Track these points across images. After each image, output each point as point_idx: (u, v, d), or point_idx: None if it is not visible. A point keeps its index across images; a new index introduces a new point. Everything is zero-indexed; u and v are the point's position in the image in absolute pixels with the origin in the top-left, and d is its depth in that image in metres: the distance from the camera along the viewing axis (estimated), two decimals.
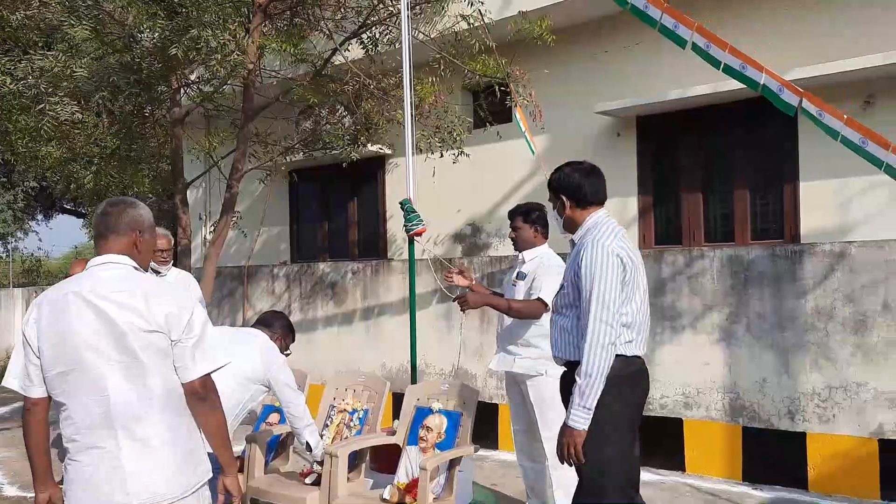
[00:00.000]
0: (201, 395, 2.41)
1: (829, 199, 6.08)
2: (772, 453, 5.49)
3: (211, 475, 2.48)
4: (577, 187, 3.13)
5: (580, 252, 3.00)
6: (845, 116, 2.82)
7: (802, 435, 5.36)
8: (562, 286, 3.21)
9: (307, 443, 4.11)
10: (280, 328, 4.30)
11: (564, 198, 3.15)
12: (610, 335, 2.86)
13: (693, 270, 5.95)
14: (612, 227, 3.05)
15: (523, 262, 4.57)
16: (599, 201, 3.16)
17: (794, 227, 6.32)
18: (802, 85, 6.03)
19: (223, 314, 9.61)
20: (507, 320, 4.52)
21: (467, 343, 7.15)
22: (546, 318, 4.38)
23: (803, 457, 5.35)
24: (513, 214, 4.67)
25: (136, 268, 2.48)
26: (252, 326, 4.27)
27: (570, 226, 3.17)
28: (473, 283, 4.56)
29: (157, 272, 5.65)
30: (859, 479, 5.13)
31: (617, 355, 2.91)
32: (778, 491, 5.38)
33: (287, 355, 4.24)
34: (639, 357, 3.04)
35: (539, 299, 4.27)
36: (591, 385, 2.84)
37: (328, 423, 4.71)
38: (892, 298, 5.05)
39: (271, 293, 9.14)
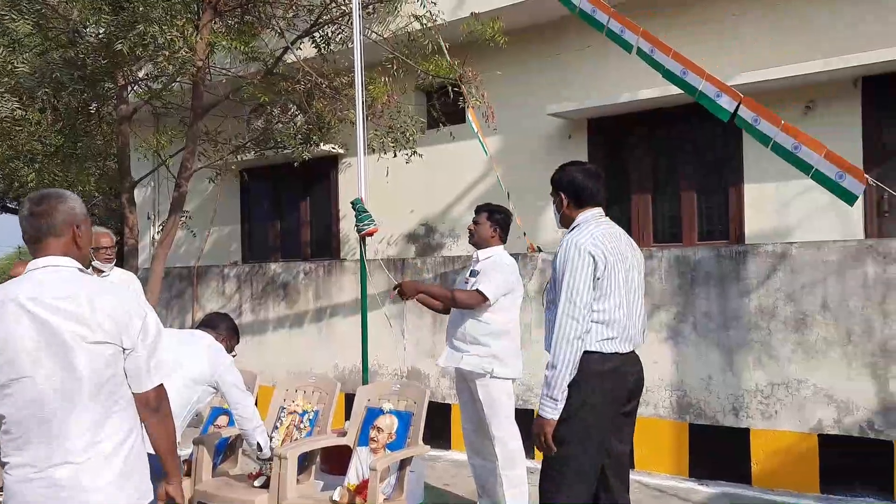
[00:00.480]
0: (154, 406, 2.30)
1: (771, 201, 6.24)
2: (717, 449, 5.61)
3: (152, 497, 2.38)
4: (576, 186, 3.23)
5: (559, 249, 3.12)
6: (782, 122, 2.90)
7: (746, 431, 5.49)
8: (548, 283, 3.30)
9: (257, 444, 4.08)
10: (225, 329, 4.24)
11: (563, 195, 3.26)
12: (575, 329, 2.93)
13: None
14: (594, 227, 3.12)
15: (477, 260, 4.61)
16: (596, 203, 3.25)
17: (738, 228, 6.48)
18: (745, 90, 6.20)
19: (172, 315, 9.43)
20: (455, 315, 4.55)
21: (421, 343, 7.15)
22: (493, 316, 4.42)
23: (747, 453, 5.48)
24: (479, 209, 4.74)
25: (80, 269, 2.30)
26: (196, 328, 4.21)
27: (565, 222, 3.29)
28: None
29: (99, 271, 5.53)
30: (800, 473, 5.28)
31: (593, 352, 2.99)
32: (723, 486, 5.50)
33: (233, 356, 4.19)
34: (619, 354, 3.07)
35: (478, 290, 4.32)
36: (557, 376, 2.92)
37: (278, 424, 4.67)
38: (830, 298, 5.21)
39: (221, 294, 9.01)
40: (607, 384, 3.04)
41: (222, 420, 4.94)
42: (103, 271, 5.54)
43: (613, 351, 3.06)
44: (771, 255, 5.46)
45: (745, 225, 6.43)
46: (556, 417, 2.96)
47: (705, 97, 3.11)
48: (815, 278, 5.28)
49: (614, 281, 3.05)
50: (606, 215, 3.29)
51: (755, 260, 5.52)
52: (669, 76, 3.22)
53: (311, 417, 4.64)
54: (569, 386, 2.96)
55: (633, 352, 3.17)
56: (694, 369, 5.73)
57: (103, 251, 5.36)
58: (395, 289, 4.57)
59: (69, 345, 2.15)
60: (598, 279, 3.00)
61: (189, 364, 3.71)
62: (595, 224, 3.15)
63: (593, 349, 3.00)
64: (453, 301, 4.40)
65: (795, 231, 6.12)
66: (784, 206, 6.18)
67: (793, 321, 5.37)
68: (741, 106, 3.00)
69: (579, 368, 2.97)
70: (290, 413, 4.68)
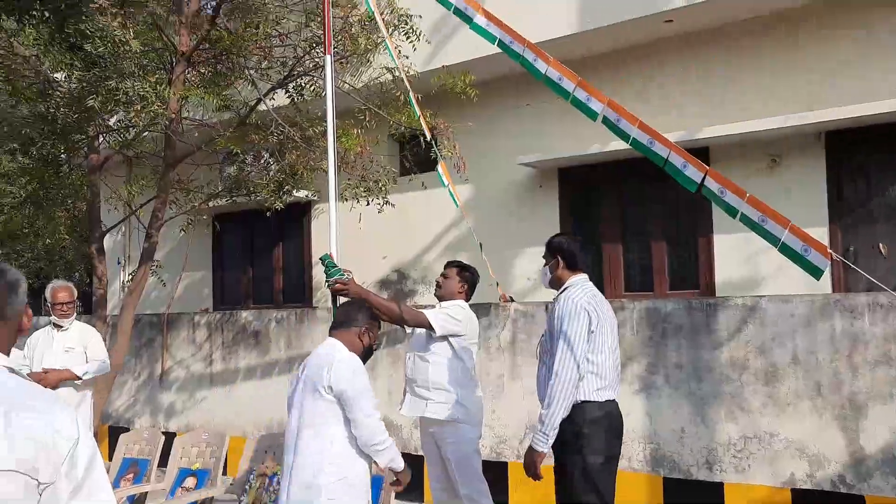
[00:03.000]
0: None
1: (741, 252, 6.32)
2: None
3: None
4: (571, 253, 3.73)
5: (555, 305, 3.57)
6: (747, 195, 2.95)
7: (720, 485, 5.49)
8: (542, 336, 3.75)
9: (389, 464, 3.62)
10: (365, 321, 3.70)
11: (559, 258, 3.74)
12: (571, 372, 3.35)
13: None
14: (587, 287, 3.61)
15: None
16: (584, 268, 3.76)
17: (709, 278, 6.54)
18: (713, 144, 6.32)
19: (141, 364, 9.28)
20: (417, 361, 4.53)
21: (392, 391, 7.09)
22: (457, 363, 4.43)
23: None
24: (450, 264, 4.81)
25: (10, 369, 1.72)
26: (331, 330, 3.74)
27: (556, 283, 3.76)
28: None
29: (58, 326, 5.47)
30: None
31: (590, 401, 3.43)
32: None
33: (376, 348, 3.85)
34: (611, 401, 3.53)
35: (426, 314, 4.35)
36: (552, 415, 3.37)
37: (247, 488, 4.58)
38: (799, 351, 5.27)
39: (192, 342, 8.89)
40: (606, 429, 3.49)
41: (190, 482, 4.84)
42: (62, 326, 5.48)
43: (606, 398, 3.50)
44: (741, 307, 5.52)
45: (715, 274, 6.50)
46: (547, 451, 3.40)
47: (672, 167, 3.17)
48: (785, 331, 5.33)
49: (604, 336, 3.50)
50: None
51: (726, 312, 5.57)
52: (636, 145, 3.28)
53: (280, 479, 4.55)
54: (574, 438, 3.39)
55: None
56: (667, 421, 5.74)
57: (59, 307, 5.35)
58: (336, 283, 4.11)
59: None
60: (592, 332, 3.44)
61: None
62: (585, 285, 3.63)
63: (590, 399, 3.44)
64: (400, 314, 4.30)
65: (765, 281, 6.20)
66: (754, 256, 6.25)
67: (763, 373, 5.41)
68: (707, 177, 3.04)
69: (580, 419, 3.40)
70: (260, 476, 4.60)
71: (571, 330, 3.40)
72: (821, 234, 5.95)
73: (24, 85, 5.90)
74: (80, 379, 5.32)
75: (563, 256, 3.74)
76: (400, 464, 3.53)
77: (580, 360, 3.40)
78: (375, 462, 3.48)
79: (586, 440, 3.41)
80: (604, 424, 3.49)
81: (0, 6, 5.46)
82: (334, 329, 3.70)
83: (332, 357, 3.48)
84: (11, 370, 1.71)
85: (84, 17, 5.37)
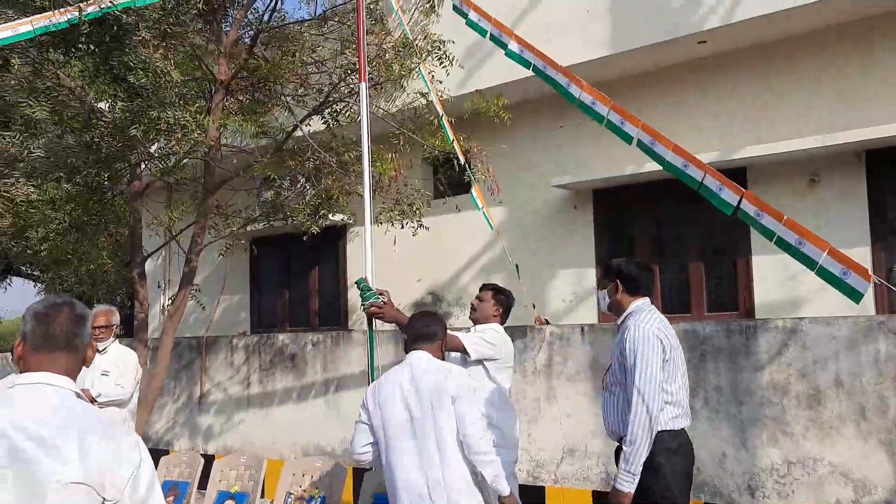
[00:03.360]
0: None
1: (780, 273, 6.23)
2: None
3: None
4: (633, 276, 3.57)
5: (624, 334, 3.41)
6: (784, 217, 2.92)
7: None
8: (610, 366, 3.59)
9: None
10: (443, 332, 3.72)
11: (619, 282, 3.58)
12: (651, 407, 3.24)
13: None
14: (653, 313, 3.46)
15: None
16: (648, 292, 3.61)
17: (748, 299, 6.45)
18: (750, 164, 6.26)
19: (180, 387, 9.41)
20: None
21: None
22: (493, 387, 4.38)
23: None
24: (485, 286, 4.78)
25: (77, 394, 1.95)
26: (412, 349, 3.67)
27: (616, 308, 3.61)
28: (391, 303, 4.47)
29: (97, 350, 5.58)
30: None
31: (665, 431, 3.33)
32: None
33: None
34: (683, 430, 3.44)
35: (459, 336, 4.27)
36: (636, 452, 3.25)
37: None
38: (843, 374, 5.16)
39: (230, 365, 9.00)
40: (682, 458, 3.41)
41: None
42: (99, 349, 5.61)
43: (680, 427, 3.42)
44: (781, 330, 5.43)
45: (754, 296, 6.41)
46: (633, 490, 3.26)
47: (707, 189, 3.15)
48: (827, 354, 5.23)
49: (676, 363, 3.41)
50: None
51: (766, 335, 5.48)
52: (671, 168, 3.27)
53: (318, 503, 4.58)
54: (650, 469, 3.28)
55: None
56: (707, 446, 5.65)
57: (94, 330, 5.46)
58: (372, 307, 4.14)
59: (42, 489, 1.74)
60: (666, 361, 3.33)
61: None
62: (651, 311, 3.48)
63: (666, 428, 3.34)
64: None
65: (806, 303, 6.09)
66: (793, 278, 6.16)
67: (806, 397, 5.30)
68: (743, 200, 3.02)
69: (656, 449, 3.30)
70: (298, 499, 4.62)
71: (646, 361, 3.28)
72: (862, 254, 5.84)
73: (69, 115, 6.09)
74: (94, 401, 5.41)
75: (623, 280, 3.59)
76: (505, 486, 3.36)
77: (658, 392, 3.29)
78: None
79: (663, 470, 3.32)
80: (680, 453, 3.41)
81: (48, 40, 5.65)
82: (420, 342, 3.62)
83: (444, 367, 3.47)
84: (78, 395, 1.94)
85: (128, 50, 5.54)
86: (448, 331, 4.07)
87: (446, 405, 3.33)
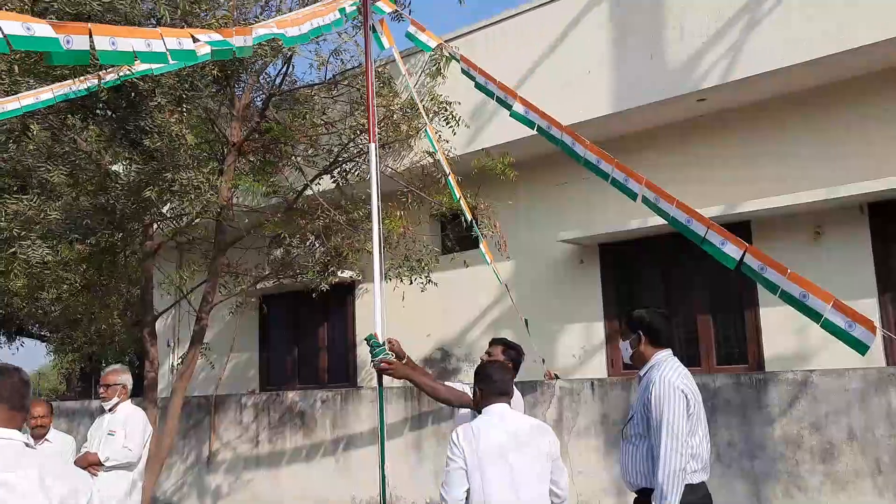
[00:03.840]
0: None
1: (789, 325, 6.23)
2: None
3: None
4: (655, 328, 3.51)
5: (648, 386, 3.37)
6: (788, 271, 2.97)
7: None
8: (631, 416, 3.53)
9: None
10: (512, 382, 3.78)
11: (641, 333, 3.52)
12: (680, 462, 3.19)
13: None
14: (676, 366, 3.41)
15: None
16: (670, 344, 3.55)
17: (757, 352, 6.45)
18: (754, 217, 6.33)
19: (189, 445, 9.36)
20: None
21: (437, 472, 7.01)
22: None
23: None
24: (495, 342, 4.75)
25: (25, 443, 2.22)
26: (498, 399, 3.64)
27: (638, 360, 3.55)
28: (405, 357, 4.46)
29: (107, 409, 5.58)
30: None
31: (686, 485, 3.23)
32: None
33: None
34: (703, 483, 3.40)
35: (468, 394, 4.21)
36: None
37: None
38: (856, 427, 5.13)
39: (239, 423, 8.97)
40: None
41: None
42: (108, 409, 5.60)
43: (700, 481, 3.37)
44: (792, 382, 5.42)
45: (762, 349, 6.40)
46: None
47: (709, 244, 3.20)
48: (839, 407, 5.21)
49: (699, 416, 3.37)
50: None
51: (777, 388, 5.47)
52: (675, 223, 3.33)
53: None
54: None
55: None
56: (721, 501, 5.57)
57: (101, 389, 5.51)
58: (382, 363, 4.15)
59: None
60: (690, 414, 3.30)
61: None
62: (674, 363, 3.45)
63: (687, 481, 3.26)
64: (444, 394, 4.22)
65: (816, 354, 6.08)
66: (802, 330, 6.16)
67: (820, 451, 5.26)
68: (746, 254, 3.08)
69: None
70: None
71: (672, 415, 3.24)
72: (870, 305, 5.86)
73: (85, 178, 6.22)
74: (101, 464, 5.36)
75: (646, 331, 3.53)
76: None
77: (685, 446, 3.24)
78: None
79: None
80: None
81: (66, 106, 5.82)
82: (501, 396, 3.63)
83: (542, 426, 3.53)
84: (27, 444, 2.22)
85: (144, 115, 5.70)
86: (461, 386, 4.07)
87: (544, 464, 3.39)
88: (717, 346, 6.74)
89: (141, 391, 8.70)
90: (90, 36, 2.73)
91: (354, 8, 4.42)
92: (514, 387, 4.67)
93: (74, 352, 11.34)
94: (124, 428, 5.65)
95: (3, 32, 2.45)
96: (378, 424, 5.22)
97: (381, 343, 4.87)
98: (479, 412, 3.69)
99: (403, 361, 4.43)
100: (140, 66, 4.15)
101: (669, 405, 3.25)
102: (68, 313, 7.99)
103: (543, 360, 6.90)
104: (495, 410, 3.55)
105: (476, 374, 3.97)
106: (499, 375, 3.67)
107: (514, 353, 4.72)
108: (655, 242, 6.97)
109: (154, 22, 5.52)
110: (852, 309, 2.86)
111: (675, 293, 7.06)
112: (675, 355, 3.45)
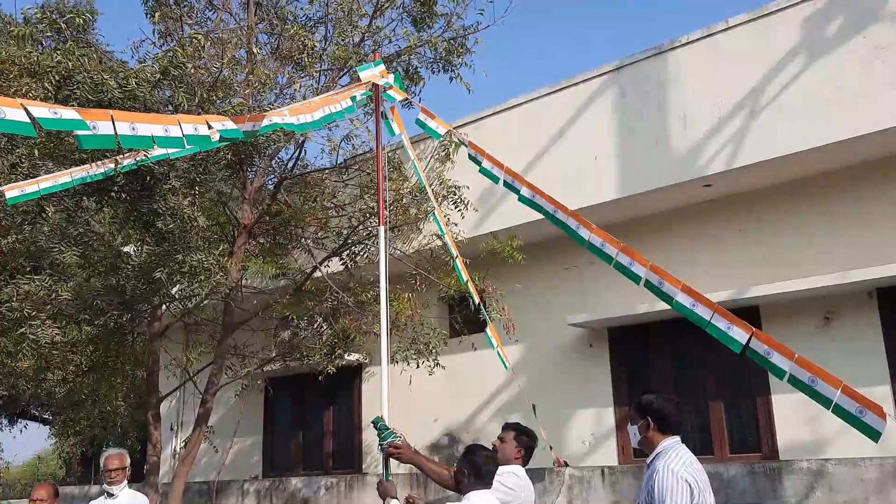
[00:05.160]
0: None
1: (802, 412, 6.11)
2: None
3: None
4: (664, 414, 3.44)
5: (652, 475, 3.31)
6: (796, 356, 2.94)
7: None
8: (636, 501, 3.43)
9: None
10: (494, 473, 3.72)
11: (650, 419, 3.45)
12: None
13: None
14: (682, 454, 3.34)
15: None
16: (678, 431, 3.47)
17: (770, 439, 6.31)
18: (762, 302, 6.31)
19: None
20: None
21: None
22: None
23: None
24: (508, 426, 4.66)
25: None
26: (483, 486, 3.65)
27: (646, 445, 3.48)
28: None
29: (109, 494, 5.47)
30: None
31: None
32: None
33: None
34: None
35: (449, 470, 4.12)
36: None
37: None
38: None
39: None
40: None
41: None
42: (112, 493, 5.48)
43: None
44: (807, 472, 5.29)
45: (776, 436, 6.26)
46: None
47: (715, 329, 3.20)
48: (857, 497, 5.07)
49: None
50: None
51: (791, 477, 5.34)
52: (679, 308, 3.33)
53: None
54: None
55: None
56: None
57: (109, 473, 5.39)
58: (390, 447, 4.06)
59: None
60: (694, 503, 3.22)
61: None
62: (680, 450, 3.37)
63: None
64: (451, 481, 4.13)
65: (831, 442, 5.94)
66: (816, 416, 6.04)
67: None
68: (753, 338, 3.06)
69: None
70: None
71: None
72: (883, 392, 5.76)
73: (96, 259, 6.30)
74: None
75: (654, 417, 3.48)
76: None
77: None
78: None
79: None
80: None
81: (82, 189, 5.95)
82: (487, 485, 3.60)
83: None
84: None
85: (157, 198, 5.82)
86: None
87: None
88: (729, 434, 6.60)
89: (141, 476, 8.54)
90: (112, 122, 2.83)
91: (366, 97, 4.56)
92: (525, 474, 4.58)
93: (76, 435, 11.20)
94: None
95: (31, 117, 2.54)
96: None
97: (388, 426, 4.81)
98: (460, 492, 3.62)
99: None
100: (157, 151, 4.27)
101: (672, 495, 3.20)
102: (73, 395, 7.94)
103: (552, 447, 6.76)
104: (475, 498, 3.53)
105: (465, 454, 3.94)
106: (488, 467, 3.64)
107: (526, 440, 4.62)
108: (666, 327, 6.93)
109: (172, 109, 5.71)
110: (861, 395, 2.83)
111: (686, 378, 6.97)
112: (684, 442, 3.39)
